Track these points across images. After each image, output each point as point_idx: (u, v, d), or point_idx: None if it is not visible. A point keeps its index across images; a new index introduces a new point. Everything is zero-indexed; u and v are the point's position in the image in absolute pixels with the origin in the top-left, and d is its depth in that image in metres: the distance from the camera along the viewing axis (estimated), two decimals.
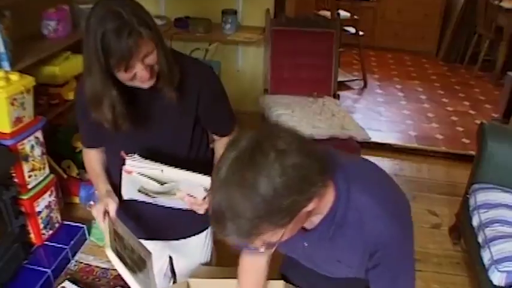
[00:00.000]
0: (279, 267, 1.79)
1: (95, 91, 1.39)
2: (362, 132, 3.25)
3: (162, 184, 1.45)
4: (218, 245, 2.10)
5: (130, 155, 1.45)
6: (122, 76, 1.37)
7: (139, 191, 1.52)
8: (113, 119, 1.43)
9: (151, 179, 1.45)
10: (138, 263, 1.58)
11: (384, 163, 4.07)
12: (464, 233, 2.94)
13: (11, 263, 2.35)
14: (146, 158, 1.45)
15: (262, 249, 1.14)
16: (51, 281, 2.44)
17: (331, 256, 1.34)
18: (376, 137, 4.13)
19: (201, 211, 1.53)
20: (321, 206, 1.18)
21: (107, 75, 1.36)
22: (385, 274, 1.29)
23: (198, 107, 1.57)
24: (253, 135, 1.05)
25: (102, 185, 1.65)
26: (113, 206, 1.54)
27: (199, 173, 1.44)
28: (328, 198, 1.19)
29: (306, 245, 1.34)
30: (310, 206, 1.08)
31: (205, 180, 1.43)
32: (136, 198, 1.58)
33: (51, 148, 2.70)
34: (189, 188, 1.47)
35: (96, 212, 1.53)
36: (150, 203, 1.59)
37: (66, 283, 2.31)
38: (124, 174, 1.48)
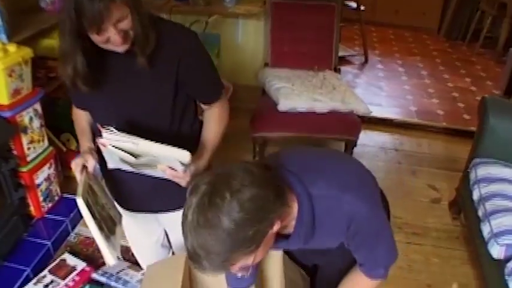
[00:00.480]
0: None
1: (62, 50, 1.39)
2: (363, 106, 3.22)
3: (136, 157, 1.44)
4: None
5: (106, 127, 1.44)
6: (95, 39, 1.36)
7: (121, 161, 1.51)
8: (72, 79, 1.43)
9: (126, 152, 1.44)
10: (108, 222, 1.61)
11: (384, 138, 4.06)
12: (464, 207, 2.94)
13: (10, 235, 2.35)
14: (124, 130, 1.44)
15: (239, 274, 1.26)
16: (51, 253, 2.45)
17: (317, 245, 1.47)
18: (376, 112, 4.12)
19: (183, 183, 1.52)
20: (286, 221, 1.31)
21: (76, 36, 1.35)
22: (362, 244, 1.42)
23: (178, 74, 1.53)
24: (210, 180, 1.17)
25: (84, 142, 1.68)
26: (91, 162, 1.57)
27: (181, 147, 1.43)
28: (292, 209, 1.31)
29: (291, 247, 1.50)
30: (274, 228, 1.20)
31: (181, 154, 1.43)
32: (121, 168, 1.57)
33: (50, 121, 2.67)
34: (167, 162, 1.46)
35: (75, 165, 1.56)
36: (137, 174, 1.58)
37: (66, 255, 2.30)
38: (101, 147, 1.48)
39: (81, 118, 1.73)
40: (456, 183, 3.12)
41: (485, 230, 2.39)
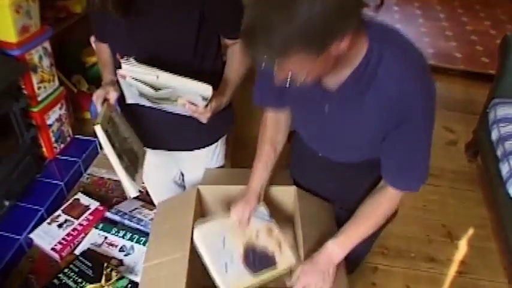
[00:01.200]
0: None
1: None
2: None
3: (156, 90, 1.40)
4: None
5: (126, 58, 1.39)
6: None
7: (140, 95, 1.48)
8: (102, 2, 1.39)
9: (146, 84, 1.40)
10: (129, 155, 1.58)
11: None
12: (481, 149, 2.89)
13: (23, 175, 2.33)
14: (145, 62, 1.39)
15: (287, 83, 1.11)
16: (65, 193, 2.44)
17: (351, 124, 1.31)
18: None
19: (203, 119, 1.49)
20: (351, 55, 1.14)
21: None
22: (405, 140, 1.26)
23: (204, 5, 1.45)
24: None
25: (107, 74, 1.66)
26: (113, 94, 1.54)
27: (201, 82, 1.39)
28: (360, 48, 1.16)
29: (327, 110, 1.31)
30: (342, 44, 1.05)
31: (203, 88, 1.38)
32: (139, 103, 1.54)
33: (60, 64, 2.61)
34: (187, 96, 1.42)
35: (96, 96, 1.53)
36: (156, 110, 1.55)
37: (80, 195, 2.27)
38: (119, 79, 1.44)
39: (104, 51, 1.70)
40: (473, 126, 3.06)
41: (504, 169, 2.34)
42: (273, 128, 1.58)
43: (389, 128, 1.23)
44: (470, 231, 2.63)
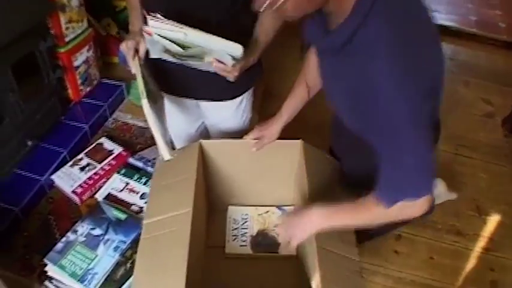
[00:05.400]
0: None
1: None
2: None
3: (184, 48, 1.34)
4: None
5: (152, 14, 1.32)
6: None
7: (165, 51, 1.42)
8: None
9: (174, 42, 1.34)
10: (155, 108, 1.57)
11: None
12: None
13: (48, 116, 2.32)
14: (173, 19, 1.32)
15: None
16: (88, 137, 2.43)
17: (334, 84, 1.20)
18: None
19: (231, 78, 1.46)
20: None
21: None
22: (383, 142, 1.08)
23: None
24: None
25: (136, 21, 1.59)
26: (143, 47, 1.47)
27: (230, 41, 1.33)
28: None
29: (325, 63, 1.24)
30: None
31: (233, 47, 1.34)
32: (163, 57, 1.48)
33: (89, 6, 2.55)
34: (216, 54, 1.37)
35: (127, 48, 1.48)
36: (181, 64, 1.50)
37: (104, 139, 2.27)
38: (145, 35, 1.38)
39: None
40: None
41: None
42: (311, 70, 1.52)
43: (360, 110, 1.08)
44: (501, 208, 2.55)
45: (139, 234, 1.47)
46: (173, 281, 1.24)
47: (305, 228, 1.35)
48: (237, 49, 1.33)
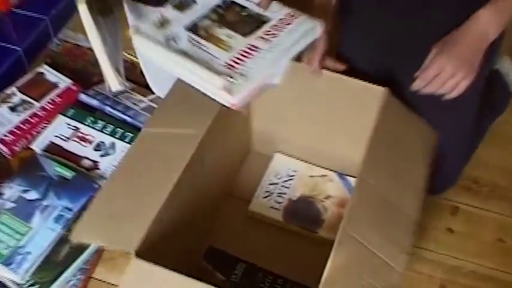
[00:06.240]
0: None
1: None
2: None
3: None
4: None
5: None
6: None
7: None
8: None
9: None
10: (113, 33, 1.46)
11: None
12: None
13: None
14: None
15: None
16: (25, 63, 2.02)
17: None
18: None
19: None
20: None
21: None
22: None
23: None
24: None
25: None
26: None
27: None
28: None
29: None
30: None
31: None
32: None
33: None
34: None
35: None
36: None
37: (45, 68, 1.89)
38: None
39: None
40: None
41: None
42: None
43: None
44: None
45: (91, 199, 1.37)
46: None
47: (474, 44, 1.20)
48: None
